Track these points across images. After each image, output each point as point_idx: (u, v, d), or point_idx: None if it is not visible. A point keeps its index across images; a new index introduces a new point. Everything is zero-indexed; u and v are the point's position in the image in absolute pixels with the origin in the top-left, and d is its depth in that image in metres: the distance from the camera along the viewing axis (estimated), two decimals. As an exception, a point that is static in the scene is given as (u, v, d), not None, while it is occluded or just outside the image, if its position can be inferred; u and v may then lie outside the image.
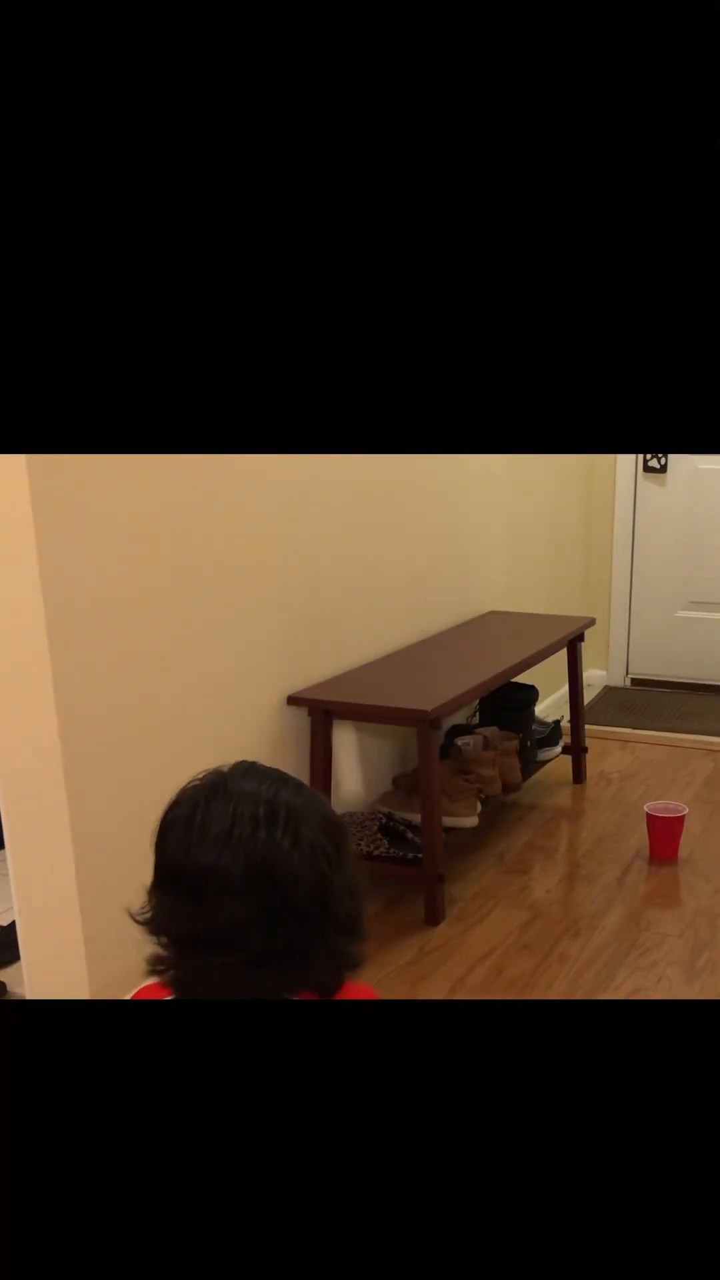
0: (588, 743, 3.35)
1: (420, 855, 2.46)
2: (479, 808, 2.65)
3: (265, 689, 2.34)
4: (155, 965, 1.00)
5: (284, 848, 0.96)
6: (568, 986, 2.20)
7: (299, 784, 1.03)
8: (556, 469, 3.77)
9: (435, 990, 2.19)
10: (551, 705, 3.70)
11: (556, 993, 2.18)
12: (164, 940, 1.00)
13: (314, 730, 2.43)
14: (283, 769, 1.04)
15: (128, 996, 1.00)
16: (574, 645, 3.17)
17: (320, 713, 2.42)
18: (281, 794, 0.99)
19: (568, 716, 3.31)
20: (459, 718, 3.11)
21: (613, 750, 3.57)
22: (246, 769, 1.02)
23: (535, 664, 2.83)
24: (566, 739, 3.29)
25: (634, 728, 3.77)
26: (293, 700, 2.41)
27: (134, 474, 1.90)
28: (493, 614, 3.29)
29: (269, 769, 1.03)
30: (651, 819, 2.77)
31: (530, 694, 3.10)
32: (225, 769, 1.02)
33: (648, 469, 4.05)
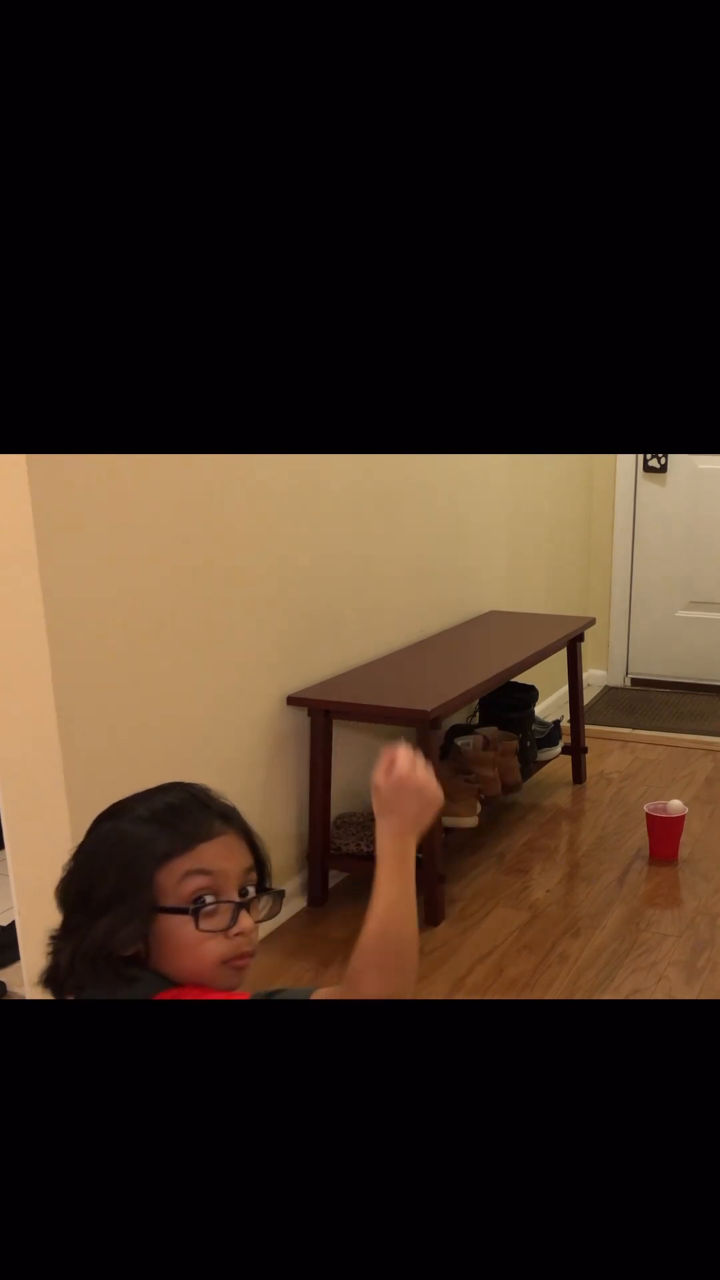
0: (588, 743, 3.35)
1: (420, 855, 2.45)
2: (479, 808, 2.65)
3: (265, 689, 2.34)
4: None
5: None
6: (568, 986, 2.20)
7: (158, 828, 1.08)
8: (556, 469, 3.77)
9: (435, 990, 2.19)
10: (551, 705, 3.70)
11: (556, 993, 2.18)
12: None
13: (314, 730, 2.43)
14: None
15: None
16: (574, 645, 3.17)
17: (320, 713, 2.42)
18: (127, 818, 1.11)
19: (568, 716, 3.31)
20: (459, 718, 3.11)
21: (613, 750, 3.57)
22: (166, 789, 1.13)
23: (535, 664, 2.83)
24: (566, 739, 3.29)
25: (634, 728, 3.77)
26: (293, 700, 2.41)
27: (134, 474, 1.90)
28: (493, 614, 3.29)
29: (171, 801, 1.11)
30: (651, 819, 2.77)
31: (530, 694, 3.10)
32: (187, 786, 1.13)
33: (648, 469, 4.05)
